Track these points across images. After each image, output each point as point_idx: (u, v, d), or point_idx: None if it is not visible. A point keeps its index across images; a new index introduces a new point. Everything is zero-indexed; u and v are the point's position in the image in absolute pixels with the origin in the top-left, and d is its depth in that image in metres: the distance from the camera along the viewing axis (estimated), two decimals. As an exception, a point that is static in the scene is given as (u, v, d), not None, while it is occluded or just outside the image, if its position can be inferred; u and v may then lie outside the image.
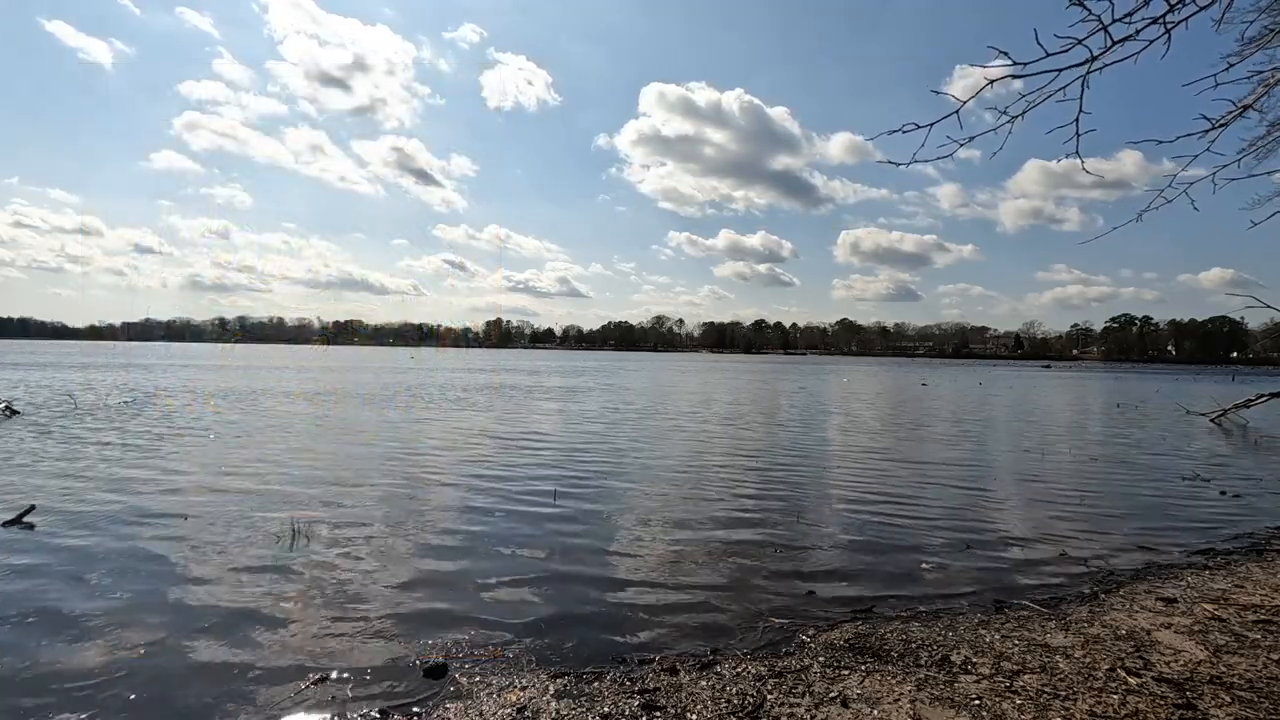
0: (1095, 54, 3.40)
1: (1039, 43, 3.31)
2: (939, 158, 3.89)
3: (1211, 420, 19.11)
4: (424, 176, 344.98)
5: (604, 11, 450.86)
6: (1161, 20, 3.31)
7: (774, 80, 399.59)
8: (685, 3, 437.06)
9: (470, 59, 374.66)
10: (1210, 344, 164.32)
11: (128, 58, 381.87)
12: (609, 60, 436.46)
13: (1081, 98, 3.54)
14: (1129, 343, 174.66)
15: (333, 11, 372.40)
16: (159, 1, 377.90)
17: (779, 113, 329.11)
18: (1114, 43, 3.35)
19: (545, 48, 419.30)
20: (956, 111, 3.64)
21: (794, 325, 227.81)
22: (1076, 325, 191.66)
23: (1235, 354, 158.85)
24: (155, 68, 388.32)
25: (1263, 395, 19.93)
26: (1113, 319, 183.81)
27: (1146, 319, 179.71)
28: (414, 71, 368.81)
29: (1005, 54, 3.36)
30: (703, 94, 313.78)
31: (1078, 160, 3.93)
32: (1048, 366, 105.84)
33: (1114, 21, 3.28)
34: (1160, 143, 4.13)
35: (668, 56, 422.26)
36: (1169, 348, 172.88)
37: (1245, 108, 4.16)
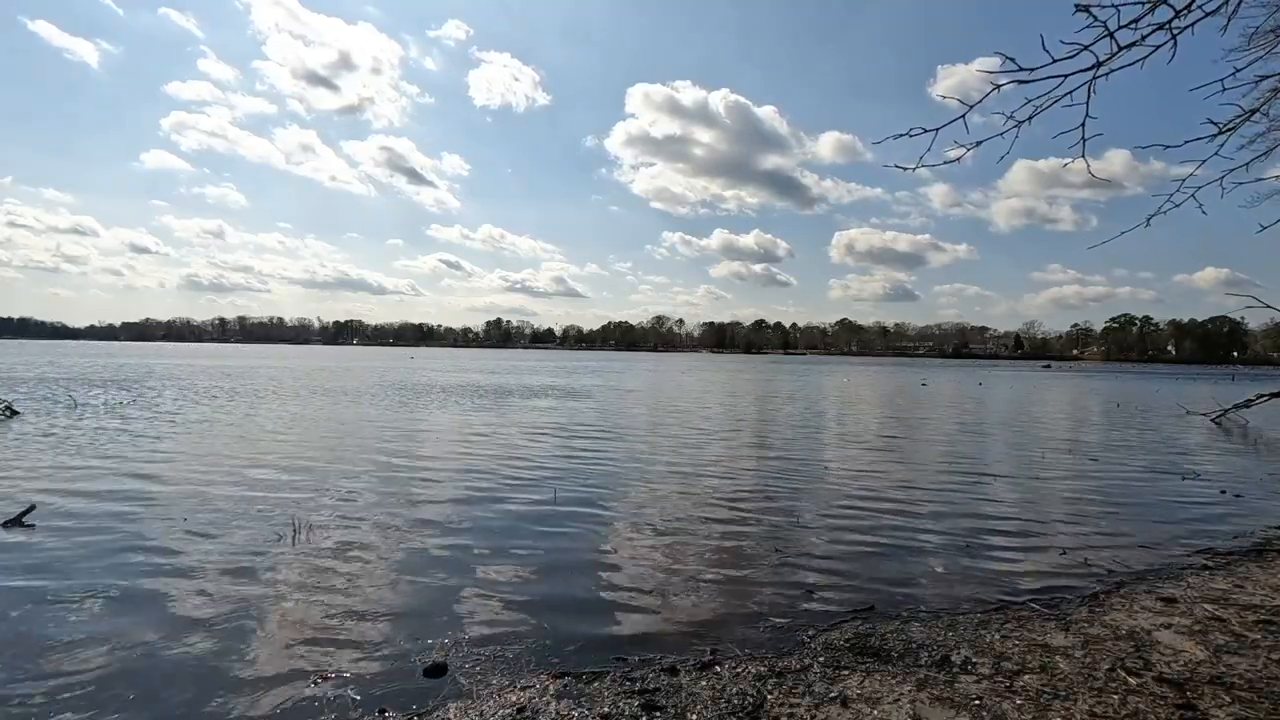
0: (1101, 60, 3.40)
1: (1045, 49, 3.32)
2: (945, 163, 3.90)
3: (1212, 420, 19.11)
4: (416, 176, 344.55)
5: (584, 7, 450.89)
6: (1168, 26, 3.31)
7: (760, 79, 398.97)
8: (668, 1, 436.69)
9: (457, 56, 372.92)
10: (1210, 344, 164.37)
11: (114, 58, 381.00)
12: (593, 58, 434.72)
13: (1088, 103, 3.53)
14: (1129, 343, 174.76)
15: (315, 10, 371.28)
16: (143, 1, 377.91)
17: (767, 112, 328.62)
18: (1120, 49, 3.35)
19: (530, 46, 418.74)
20: (964, 116, 3.63)
21: (794, 325, 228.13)
22: (1076, 325, 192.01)
23: (1235, 354, 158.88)
24: (142, 67, 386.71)
25: (1263, 395, 19.92)
26: (1113, 319, 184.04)
27: (1146, 319, 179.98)
28: (400, 70, 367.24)
29: (1012, 60, 3.36)
30: (689, 93, 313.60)
31: (1067, 161, 3.95)
32: (1048, 366, 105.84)
33: (1120, 28, 3.28)
34: (1169, 147, 4.12)
35: (652, 54, 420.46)
36: (1169, 348, 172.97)
37: (1252, 112, 4.15)
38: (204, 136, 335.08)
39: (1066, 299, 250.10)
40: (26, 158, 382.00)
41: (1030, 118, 3.68)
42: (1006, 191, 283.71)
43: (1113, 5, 3.21)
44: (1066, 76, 3.45)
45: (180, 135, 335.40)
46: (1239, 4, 3.53)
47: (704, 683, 3.52)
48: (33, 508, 6.55)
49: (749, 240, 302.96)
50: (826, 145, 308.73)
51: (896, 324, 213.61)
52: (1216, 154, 4.21)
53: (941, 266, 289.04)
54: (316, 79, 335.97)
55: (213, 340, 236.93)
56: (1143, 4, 3.26)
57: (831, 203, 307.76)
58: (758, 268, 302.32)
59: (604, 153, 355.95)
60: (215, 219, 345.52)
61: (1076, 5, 3.20)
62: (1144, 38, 3.34)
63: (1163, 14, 3.30)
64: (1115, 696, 3.37)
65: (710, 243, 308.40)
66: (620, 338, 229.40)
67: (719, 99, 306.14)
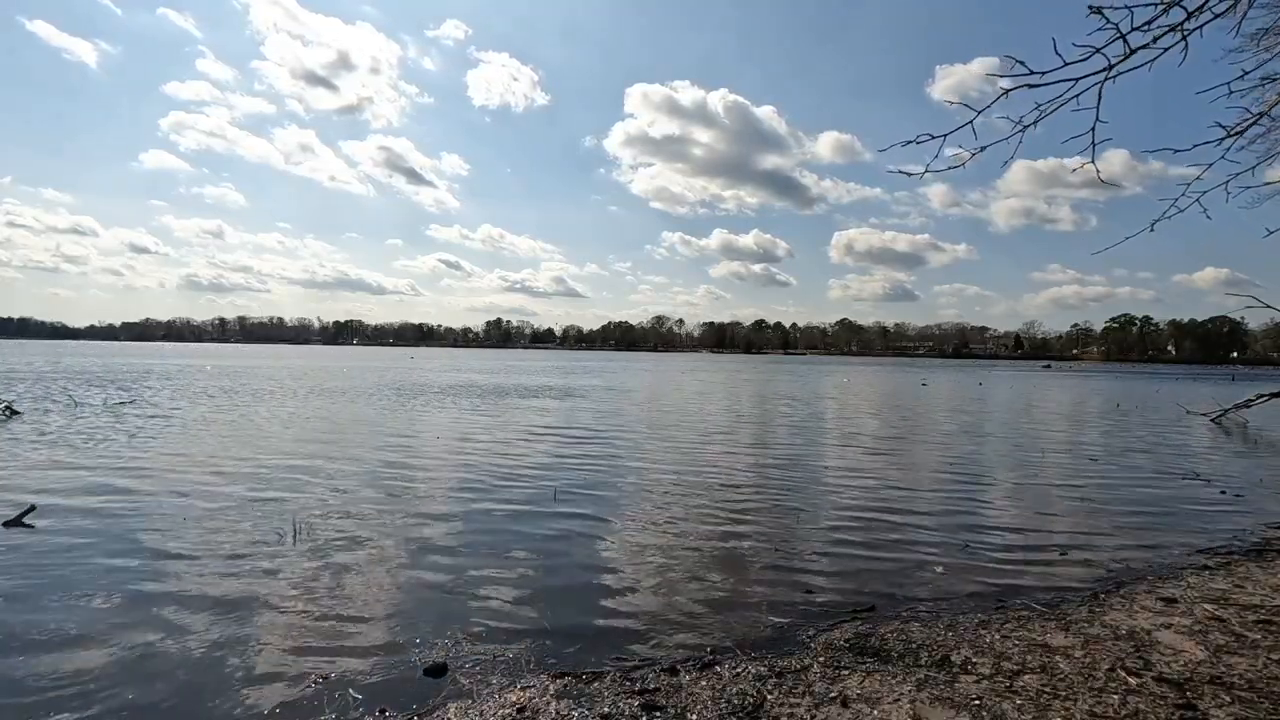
0: (1112, 62, 3.38)
1: (1057, 52, 3.29)
2: (950, 168, 3.88)
3: (1211, 420, 19.11)
4: (415, 176, 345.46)
5: (583, 7, 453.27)
6: (1179, 28, 3.29)
7: (759, 79, 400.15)
8: (667, 0, 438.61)
9: (455, 56, 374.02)
10: (1210, 344, 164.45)
11: (112, 58, 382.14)
12: (592, 57, 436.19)
13: (1098, 107, 3.51)
14: (1129, 343, 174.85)
15: (313, 10, 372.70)
16: (140, 1, 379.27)
17: (765, 112, 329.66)
18: (1132, 51, 3.32)
19: (529, 46, 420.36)
20: (971, 123, 3.60)
21: (794, 325, 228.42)
22: (1076, 325, 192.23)
23: (1235, 354, 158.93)
24: (141, 67, 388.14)
25: (1263, 395, 19.91)
26: (1113, 319, 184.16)
27: (1146, 319, 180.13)
28: (399, 70, 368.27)
29: (1021, 63, 3.33)
30: (687, 93, 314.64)
31: (1075, 167, 3.93)
32: (1048, 366, 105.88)
33: (1132, 30, 3.26)
34: (1177, 151, 4.08)
35: (651, 54, 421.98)
36: (1169, 348, 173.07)
37: (1261, 115, 4.12)
38: (203, 136, 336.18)
39: (1066, 299, 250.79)
40: (26, 157, 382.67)
41: (1036, 122, 3.65)
42: (1005, 191, 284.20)
43: (1125, 6, 3.19)
44: (1077, 80, 3.42)
45: (179, 135, 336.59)
46: (1250, 5, 3.52)
47: (704, 683, 3.52)
48: (33, 508, 6.55)
49: (748, 240, 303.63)
50: (825, 145, 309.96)
51: (896, 324, 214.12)
52: (1223, 158, 4.18)
53: (941, 266, 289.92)
54: (315, 79, 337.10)
55: (213, 340, 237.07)
56: (1156, 5, 3.24)
57: (831, 203, 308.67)
58: (757, 268, 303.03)
59: (603, 153, 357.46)
60: (214, 219, 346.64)
61: (1090, 7, 3.17)
62: (1155, 39, 3.32)
63: (1175, 15, 3.29)
64: (1115, 696, 3.36)
65: (709, 243, 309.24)
66: (620, 338, 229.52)
67: (717, 99, 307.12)
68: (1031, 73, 3.38)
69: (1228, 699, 3.35)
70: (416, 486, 8.29)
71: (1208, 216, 4.31)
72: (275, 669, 3.64)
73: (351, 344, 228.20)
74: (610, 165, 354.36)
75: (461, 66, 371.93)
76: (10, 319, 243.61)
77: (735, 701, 3.31)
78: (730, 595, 4.86)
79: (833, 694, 3.39)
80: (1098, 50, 3.31)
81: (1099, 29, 3.25)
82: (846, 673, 3.63)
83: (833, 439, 13.90)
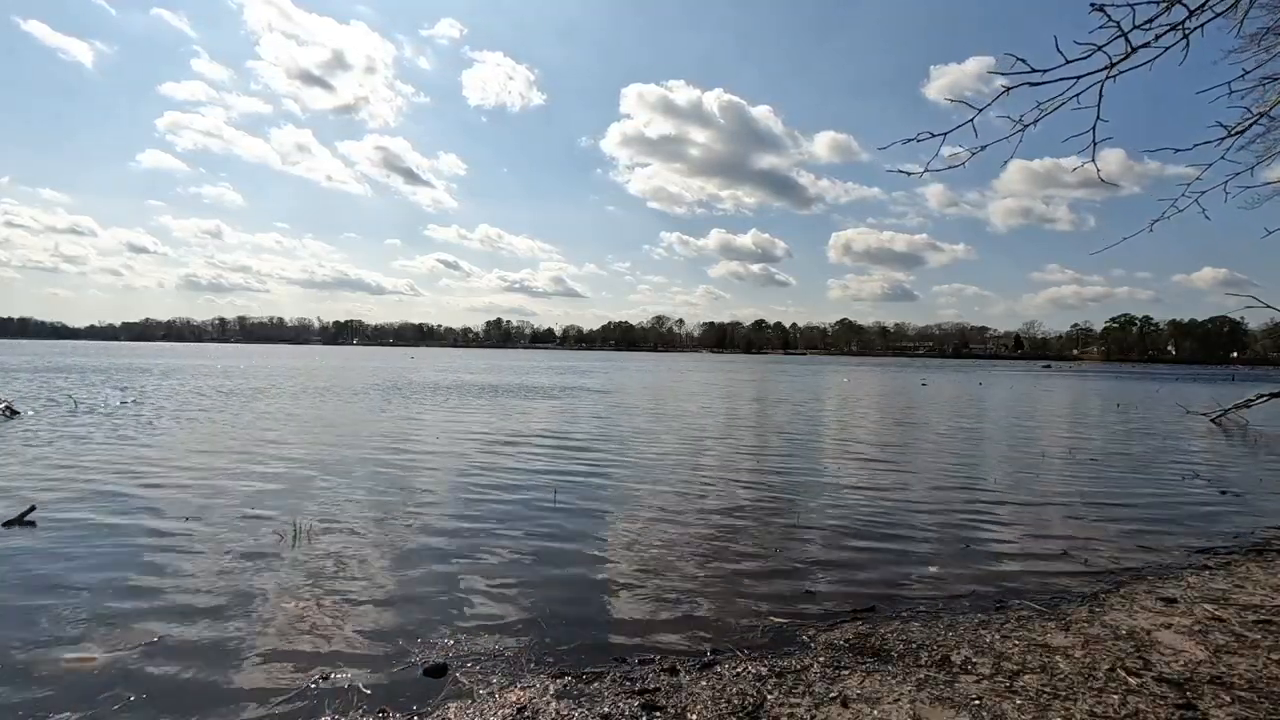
0: (1114, 61, 3.37)
1: (1059, 49, 3.29)
2: (949, 168, 3.89)
3: (1211, 420, 19.10)
4: (412, 176, 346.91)
5: (579, 6, 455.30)
6: (1180, 27, 3.30)
7: (757, 78, 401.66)
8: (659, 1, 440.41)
9: (451, 56, 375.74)
10: (1210, 344, 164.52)
11: (108, 58, 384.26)
12: (589, 57, 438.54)
13: (1099, 105, 3.51)
14: (1129, 343, 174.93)
15: (307, 9, 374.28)
16: (135, 1, 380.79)
17: (762, 111, 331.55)
18: (1133, 49, 3.32)
19: (524, 45, 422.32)
20: (972, 120, 3.59)
21: (794, 325, 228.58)
22: (1076, 325, 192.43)
23: (1235, 354, 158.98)
24: (136, 67, 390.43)
25: (1263, 395, 19.90)
26: (1113, 319, 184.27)
27: (1146, 319, 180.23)
28: (395, 70, 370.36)
29: (1023, 61, 3.33)
30: (683, 93, 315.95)
31: (1076, 166, 3.93)
32: (1048, 366, 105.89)
33: (1134, 28, 3.26)
34: (1178, 150, 4.08)
35: (649, 53, 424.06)
36: (1169, 348, 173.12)
37: (1262, 115, 4.12)
38: (199, 136, 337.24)
39: (1065, 299, 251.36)
40: (24, 157, 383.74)
41: (1036, 120, 3.65)
42: (1003, 191, 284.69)
43: (1127, 4, 3.19)
44: (1078, 78, 3.42)
45: (176, 135, 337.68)
46: (1250, 5, 3.52)
47: (704, 683, 3.52)
48: (34, 508, 6.55)
49: (746, 240, 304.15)
50: (823, 145, 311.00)
51: (896, 324, 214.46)
52: (1223, 158, 4.18)
53: (940, 266, 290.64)
54: (311, 79, 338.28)
55: (213, 340, 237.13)
56: (1157, 3, 3.24)
57: (829, 202, 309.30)
58: (756, 267, 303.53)
59: (600, 153, 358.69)
60: (213, 219, 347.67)
61: (1091, 4, 3.17)
62: (1157, 38, 3.32)
63: (1177, 14, 3.29)
64: (1115, 696, 3.37)
65: (708, 242, 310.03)
66: (620, 338, 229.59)
67: (713, 99, 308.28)
68: (1033, 70, 3.37)
69: (1228, 699, 3.35)
70: (416, 486, 8.29)
71: (1206, 217, 4.31)
72: (275, 669, 3.64)
73: (351, 344, 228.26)
74: (607, 165, 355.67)
75: (457, 66, 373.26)
76: (10, 319, 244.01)
77: (735, 701, 3.31)
78: (730, 595, 4.86)
79: (833, 694, 3.39)
80: (1099, 48, 3.31)
81: (1100, 27, 3.25)
82: (846, 673, 3.63)
83: (832, 439, 13.90)
